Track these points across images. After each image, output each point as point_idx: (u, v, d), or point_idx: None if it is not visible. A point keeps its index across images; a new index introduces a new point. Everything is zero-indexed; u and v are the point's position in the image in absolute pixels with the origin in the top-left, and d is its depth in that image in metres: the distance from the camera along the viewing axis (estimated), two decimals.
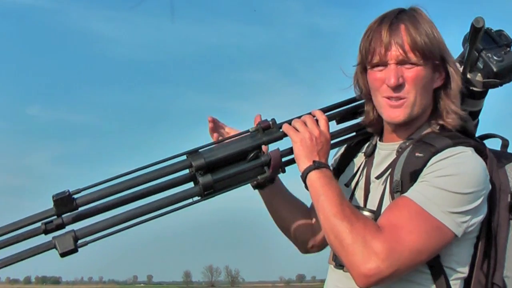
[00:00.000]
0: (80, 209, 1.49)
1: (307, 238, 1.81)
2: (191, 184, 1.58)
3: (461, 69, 1.64)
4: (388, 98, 1.54)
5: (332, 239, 1.42)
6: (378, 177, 1.58)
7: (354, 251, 1.35)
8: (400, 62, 1.51)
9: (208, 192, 1.54)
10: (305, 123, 1.57)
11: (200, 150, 1.57)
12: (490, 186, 1.48)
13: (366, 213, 1.52)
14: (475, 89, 1.66)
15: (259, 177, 1.60)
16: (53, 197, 1.44)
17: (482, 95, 1.68)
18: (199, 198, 1.56)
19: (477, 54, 1.65)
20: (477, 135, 1.70)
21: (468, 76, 1.65)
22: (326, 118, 1.60)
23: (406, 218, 1.38)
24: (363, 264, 1.34)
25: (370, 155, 1.66)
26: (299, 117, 1.60)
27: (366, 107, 1.67)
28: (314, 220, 1.79)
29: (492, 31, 1.71)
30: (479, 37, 1.58)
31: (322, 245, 1.81)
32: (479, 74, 1.66)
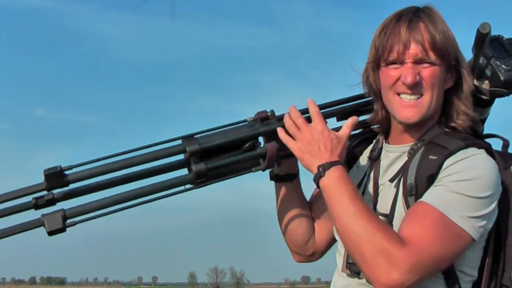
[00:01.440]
0: (71, 186, 1.45)
1: (308, 244, 1.75)
2: (185, 170, 1.54)
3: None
4: (399, 95, 1.50)
5: (351, 249, 1.39)
6: (391, 180, 1.53)
7: (376, 264, 1.32)
8: (418, 61, 1.47)
9: (200, 180, 1.50)
10: (297, 126, 1.52)
11: (196, 136, 1.53)
12: (501, 188, 1.45)
13: (379, 217, 1.46)
14: (482, 96, 1.62)
15: (253, 169, 1.55)
16: (44, 171, 1.42)
17: (488, 103, 1.65)
18: (192, 186, 1.52)
19: (486, 61, 1.62)
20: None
21: (476, 83, 1.61)
22: (316, 109, 1.55)
23: (428, 227, 1.35)
24: (386, 275, 1.31)
25: (376, 159, 1.61)
26: (293, 112, 1.56)
27: (375, 105, 1.62)
28: (318, 226, 1.75)
29: (504, 39, 1.67)
30: (486, 43, 1.55)
31: (323, 253, 1.77)
32: (487, 82, 1.62)
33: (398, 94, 1.51)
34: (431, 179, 1.41)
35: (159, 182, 1.50)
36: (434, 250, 1.34)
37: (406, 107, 1.50)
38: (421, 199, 1.40)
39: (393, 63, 1.49)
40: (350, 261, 1.52)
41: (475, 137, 1.55)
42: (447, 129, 1.54)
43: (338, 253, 1.61)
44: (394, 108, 1.52)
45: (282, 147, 1.54)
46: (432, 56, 1.47)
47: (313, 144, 1.47)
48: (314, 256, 1.77)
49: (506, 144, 1.64)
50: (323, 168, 1.44)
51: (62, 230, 1.42)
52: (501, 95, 1.62)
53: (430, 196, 1.39)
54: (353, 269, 1.51)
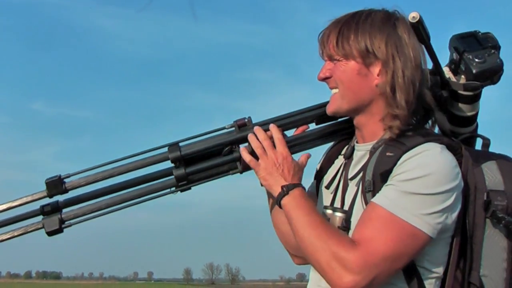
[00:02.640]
0: (70, 192, 1.65)
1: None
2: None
3: (450, 73, 1.65)
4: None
5: (310, 258, 1.46)
6: (351, 179, 1.59)
7: (330, 269, 1.39)
8: (329, 58, 1.58)
9: (182, 183, 1.64)
10: (262, 149, 1.59)
11: (181, 144, 1.65)
12: (462, 183, 1.46)
13: (338, 214, 1.53)
14: (463, 92, 1.62)
15: (231, 171, 1.67)
16: (46, 180, 1.62)
17: (473, 99, 1.64)
18: (175, 189, 1.66)
19: (458, 56, 1.64)
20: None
21: (453, 79, 1.64)
22: (280, 135, 1.61)
23: (379, 229, 1.39)
24: (340, 279, 1.37)
25: (349, 157, 1.66)
26: (257, 128, 1.62)
27: None
28: None
29: (480, 34, 1.67)
30: (422, 31, 1.56)
31: None
32: (463, 77, 1.63)
33: None
34: (385, 175, 1.45)
35: (146, 186, 1.66)
36: (384, 250, 1.37)
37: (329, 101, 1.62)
38: (372, 200, 1.44)
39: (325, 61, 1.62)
40: None
41: (444, 134, 1.59)
42: (410, 127, 1.54)
43: None
44: None
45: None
46: (334, 53, 1.56)
47: (278, 167, 1.55)
48: None
49: (486, 143, 1.66)
50: (287, 188, 1.52)
51: (59, 231, 1.62)
52: (475, 88, 1.61)
53: (381, 197, 1.43)
54: None
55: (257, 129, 1.62)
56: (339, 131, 1.72)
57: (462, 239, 1.50)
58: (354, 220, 1.50)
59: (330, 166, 1.72)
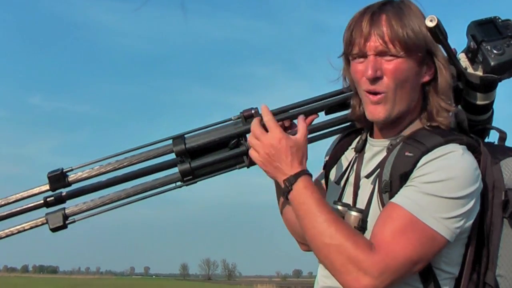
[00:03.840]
0: (72, 186, 1.61)
1: None
2: (176, 169, 1.61)
3: (466, 61, 1.56)
4: (368, 92, 1.47)
5: (322, 259, 1.39)
6: (367, 176, 1.52)
7: (346, 271, 1.32)
8: (380, 54, 1.44)
9: (187, 178, 1.58)
10: (256, 139, 1.48)
11: (185, 136, 1.59)
12: (481, 185, 1.42)
13: (354, 213, 1.47)
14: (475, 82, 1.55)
15: (237, 166, 1.60)
16: (48, 173, 1.58)
17: (489, 88, 1.56)
18: (181, 183, 1.60)
19: (476, 46, 1.55)
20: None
21: (470, 70, 1.55)
22: (269, 117, 1.50)
23: (399, 231, 1.34)
24: (356, 282, 1.31)
25: (360, 151, 1.60)
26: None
27: (352, 101, 1.59)
28: None
29: (500, 20, 1.58)
30: (438, 35, 1.46)
31: None
32: (480, 67, 1.54)
33: (364, 89, 1.49)
34: (405, 177, 1.39)
35: (151, 181, 1.60)
36: (404, 254, 1.33)
37: (373, 105, 1.47)
38: (392, 200, 1.39)
39: (358, 56, 1.48)
40: None
41: (461, 131, 1.53)
42: (427, 125, 1.49)
43: None
44: (365, 105, 1.50)
45: None
46: (392, 48, 1.43)
47: (274, 155, 1.44)
48: None
49: (502, 137, 1.60)
50: (289, 183, 1.42)
51: (63, 227, 1.59)
52: (493, 81, 1.54)
53: (402, 197, 1.37)
54: None
55: (254, 120, 1.52)
56: (349, 123, 1.66)
57: (479, 239, 1.46)
58: (370, 221, 1.45)
59: (339, 158, 1.66)
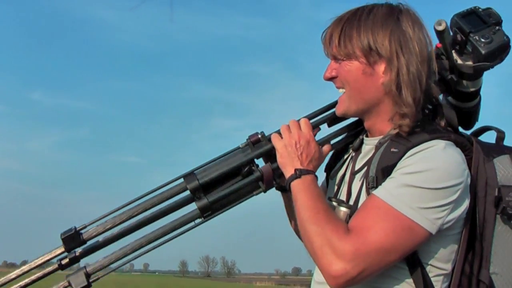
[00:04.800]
0: (88, 243, 1.55)
1: None
2: (193, 204, 1.60)
3: (455, 54, 1.61)
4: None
5: (305, 243, 1.43)
6: (355, 173, 1.58)
7: (322, 254, 1.36)
8: (334, 58, 1.56)
9: (207, 214, 1.58)
10: (288, 129, 1.58)
11: (195, 172, 1.58)
12: (469, 180, 1.43)
13: (343, 208, 1.50)
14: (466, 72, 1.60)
15: (254, 192, 1.61)
16: (61, 235, 1.52)
17: (477, 76, 1.62)
18: (201, 220, 1.59)
19: (464, 38, 1.60)
20: (474, 128, 1.68)
21: (460, 61, 1.61)
22: (305, 119, 1.61)
23: (374, 219, 1.37)
24: (330, 266, 1.34)
25: (357, 150, 1.65)
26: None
27: None
28: None
29: (480, 10, 1.64)
30: (445, 38, 1.58)
31: None
32: (470, 58, 1.60)
33: None
34: (387, 171, 1.43)
35: (170, 223, 1.58)
36: (375, 241, 1.34)
37: (339, 101, 1.60)
38: (372, 192, 1.43)
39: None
40: None
41: (451, 128, 1.57)
42: (417, 123, 1.51)
43: None
44: None
45: (278, 167, 1.59)
46: (337, 53, 1.53)
47: (298, 148, 1.54)
48: None
49: (501, 136, 1.62)
50: (300, 172, 1.50)
51: (88, 286, 1.54)
52: (485, 69, 1.60)
53: (380, 188, 1.41)
54: None
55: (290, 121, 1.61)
56: (352, 132, 1.70)
57: (472, 236, 1.47)
58: None
59: (339, 158, 1.71)
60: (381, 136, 1.55)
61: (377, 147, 1.51)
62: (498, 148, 1.57)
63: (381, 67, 1.50)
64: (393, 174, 1.42)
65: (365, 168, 1.53)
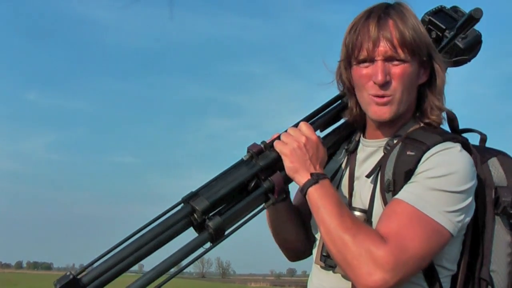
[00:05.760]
0: (89, 287, 1.35)
1: (305, 248, 1.74)
2: (191, 230, 1.46)
3: None
4: (374, 95, 1.49)
5: (334, 252, 1.37)
6: (368, 176, 1.51)
7: (359, 264, 1.31)
8: (388, 59, 1.46)
9: (219, 234, 1.43)
10: (290, 134, 1.52)
11: (199, 192, 1.45)
12: (477, 182, 1.45)
13: (357, 213, 1.48)
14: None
15: (264, 205, 1.51)
16: (55, 285, 1.30)
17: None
18: (211, 244, 1.43)
19: (440, 34, 1.66)
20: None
21: None
22: (306, 122, 1.56)
23: (407, 225, 1.34)
24: (369, 276, 1.30)
25: (353, 152, 1.62)
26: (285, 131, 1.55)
27: (349, 102, 1.61)
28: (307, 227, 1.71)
29: (447, 8, 1.70)
30: (471, 27, 1.63)
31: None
32: (447, 54, 1.66)
33: (371, 93, 1.50)
34: (409, 175, 1.41)
35: (179, 251, 1.41)
36: (413, 248, 1.32)
37: (378, 105, 1.48)
38: (396, 196, 1.40)
39: (364, 61, 1.48)
40: (324, 254, 1.52)
41: (453, 132, 1.58)
42: (422, 124, 1.54)
43: (314, 245, 1.63)
44: (367, 106, 1.51)
45: (287, 176, 1.52)
46: (401, 53, 1.45)
47: (307, 151, 1.48)
48: (306, 253, 1.76)
49: (483, 139, 1.65)
50: (318, 177, 1.44)
51: None
52: (464, 62, 1.68)
53: (405, 193, 1.39)
54: (328, 262, 1.51)
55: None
56: (346, 133, 1.69)
57: (474, 236, 1.49)
58: (374, 220, 1.45)
59: (328, 161, 1.64)
60: (387, 138, 1.53)
61: (388, 149, 1.49)
62: (487, 151, 1.60)
63: (422, 68, 1.51)
64: (415, 178, 1.40)
65: (377, 171, 1.49)
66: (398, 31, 1.44)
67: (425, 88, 1.53)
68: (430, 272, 1.43)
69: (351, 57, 1.50)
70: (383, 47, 1.45)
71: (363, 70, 1.49)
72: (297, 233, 1.72)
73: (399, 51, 1.44)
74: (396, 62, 1.45)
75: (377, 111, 1.49)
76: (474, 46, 1.67)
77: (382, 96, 1.47)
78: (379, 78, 1.44)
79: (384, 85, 1.45)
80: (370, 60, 1.47)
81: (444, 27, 1.64)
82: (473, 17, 1.58)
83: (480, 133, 1.65)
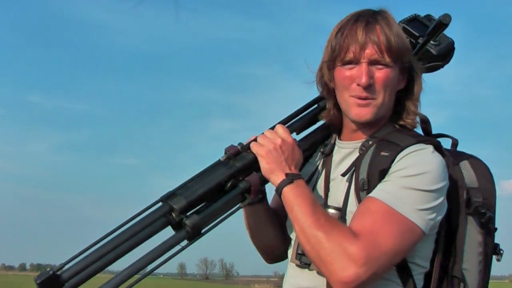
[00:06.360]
0: (68, 283, 1.37)
1: (282, 250, 1.75)
2: (169, 229, 1.49)
3: None
4: (357, 97, 1.53)
5: (308, 249, 1.40)
6: (343, 174, 1.55)
7: (332, 260, 1.34)
8: (373, 62, 1.50)
9: (196, 233, 1.47)
10: (266, 136, 1.55)
11: (177, 192, 1.49)
12: (449, 183, 1.49)
13: (331, 210, 1.51)
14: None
15: (240, 204, 1.55)
16: (36, 280, 1.33)
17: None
18: (187, 242, 1.47)
19: (414, 41, 1.71)
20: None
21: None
22: (282, 125, 1.59)
23: (380, 222, 1.38)
24: (342, 271, 1.33)
25: (328, 154, 1.65)
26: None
27: (328, 104, 1.66)
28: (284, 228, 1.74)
29: (421, 17, 1.76)
30: (441, 33, 1.69)
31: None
32: (421, 60, 1.69)
33: (353, 95, 1.54)
34: (383, 174, 1.45)
35: (157, 248, 1.45)
36: (386, 244, 1.36)
37: (359, 107, 1.53)
38: (370, 194, 1.43)
39: (349, 63, 1.52)
40: (299, 252, 1.54)
41: (426, 135, 1.62)
42: (397, 126, 1.58)
43: (290, 245, 1.65)
44: (349, 108, 1.55)
45: (263, 177, 1.55)
46: (387, 58, 1.50)
47: (283, 153, 1.51)
48: (284, 255, 1.77)
49: (455, 143, 1.69)
50: (292, 177, 1.48)
51: None
52: (437, 68, 1.74)
53: (379, 191, 1.42)
54: (303, 260, 1.54)
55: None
56: (322, 136, 1.71)
57: (447, 235, 1.54)
58: (348, 218, 1.48)
59: (304, 163, 1.68)
60: (362, 140, 1.57)
61: (363, 150, 1.53)
62: (458, 154, 1.66)
63: (401, 75, 1.57)
64: (389, 177, 1.44)
65: (352, 170, 1.53)
66: (385, 37, 1.49)
67: (402, 94, 1.58)
68: (403, 269, 1.46)
69: (336, 58, 1.54)
70: (370, 50, 1.49)
71: (346, 72, 1.53)
72: (273, 235, 1.74)
73: (385, 55, 1.49)
74: (380, 66, 1.50)
75: (358, 112, 1.53)
76: (447, 53, 1.74)
77: (365, 98, 1.52)
78: (363, 80, 1.49)
79: (368, 87, 1.50)
80: (356, 62, 1.51)
81: (417, 34, 1.70)
82: (442, 23, 1.63)
83: (452, 138, 1.69)
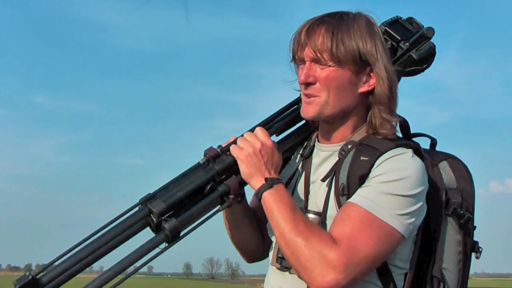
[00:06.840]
0: (47, 286, 1.38)
1: (262, 250, 1.77)
2: (147, 230, 1.50)
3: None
4: (303, 94, 1.56)
5: (288, 255, 1.41)
6: (323, 179, 1.54)
7: (312, 266, 1.35)
8: (315, 61, 1.52)
9: (175, 236, 1.48)
10: (246, 139, 1.54)
11: (156, 195, 1.50)
12: (428, 186, 1.50)
13: (311, 215, 1.51)
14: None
15: (219, 207, 1.55)
16: (15, 284, 1.34)
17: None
18: (167, 244, 1.48)
19: (396, 45, 1.71)
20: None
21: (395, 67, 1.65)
22: (261, 127, 1.58)
23: (359, 228, 1.38)
24: (321, 278, 1.34)
25: (308, 157, 1.65)
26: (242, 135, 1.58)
27: None
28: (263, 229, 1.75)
29: (403, 19, 1.75)
30: (422, 44, 1.69)
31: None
32: (402, 64, 1.70)
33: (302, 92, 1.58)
34: (362, 179, 1.45)
35: (135, 252, 1.46)
36: (365, 250, 1.37)
37: (305, 104, 1.55)
38: (350, 200, 1.44)
39: (300, 62, 1.57)
40: (280, 256, 1.55)
41: (405, 137, 1.62)
42: (372, 133, 1.56)
43: (271, 248, 1.65)
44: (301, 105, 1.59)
45: (242, 180, 1.55)
46: (325, 57, 1.50)
47: (263, 157, 1.51)
48: (263, 255, 1.79)
49: (433, 143, 1.70)
50: (271, 181, 1.48)
51: None
52: (418, 72, 1.73)
53: (359, 196, 1.43)
54: (284, 264, 1.54)
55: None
56: (301, 138, 1.70)
57: (426, 236, 1.55)
58: (328, 223, 1.48)
59: (284, 166, 1.67)
60: (341, 143, 1.57)
61: (342, 154, 1.53)
62: (437, 154, 1.66)
63: (364, 76, 1.53)
64: (368, 182, 1.44)
65: (332, 175, 1.52)
66: (322, 39, 1.50)
67: (371, 98, 1.55)
68: (384, 272, 1.48)
69: (293, 58, 1.60)
70: (308, 49, 1.52)
71: (299, 70, 1.57)
72: (252, 235, 1.74)
73: (322, 55, 1.50)
74: (321, 66, 1.51)
75: (303, 109, 1.56)
76: (428, 58, 1.73)
77: (309, 96, 1.54)
78: (301, 77, 1.53)
79: (308, 85, 1.53)
80: (302, 61, 1.55)
81: (399, 38, 1.70)
82: (425, 36, 1.66)
83: (430, 137, 1.70)
